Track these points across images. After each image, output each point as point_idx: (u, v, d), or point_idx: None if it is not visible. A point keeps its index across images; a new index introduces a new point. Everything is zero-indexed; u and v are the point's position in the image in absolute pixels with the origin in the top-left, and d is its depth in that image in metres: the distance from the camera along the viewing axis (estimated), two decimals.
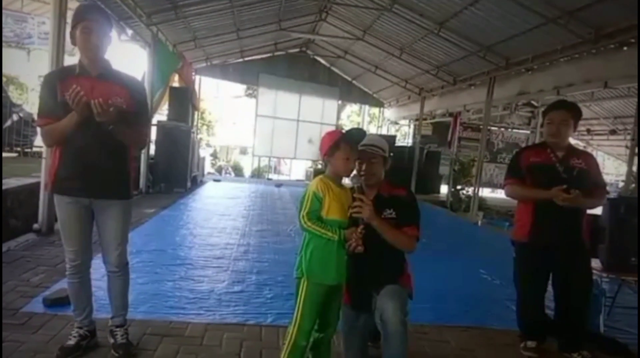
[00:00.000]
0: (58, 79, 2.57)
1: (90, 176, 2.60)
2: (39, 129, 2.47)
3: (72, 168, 2.59)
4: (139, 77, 10.21)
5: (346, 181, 2.57)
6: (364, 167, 2.65)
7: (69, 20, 5.78)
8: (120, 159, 2.74)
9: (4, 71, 15.64)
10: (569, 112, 3.23)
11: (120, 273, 2.82)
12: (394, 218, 2.64)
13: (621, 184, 15.17)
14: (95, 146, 2.58)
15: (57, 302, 3.36)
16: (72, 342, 2.72)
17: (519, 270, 3.40)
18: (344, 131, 2.52)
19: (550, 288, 3.37)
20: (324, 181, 2.44)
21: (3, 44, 15.60)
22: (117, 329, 2.84)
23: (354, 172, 2.60)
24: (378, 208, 2.57)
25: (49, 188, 2.66)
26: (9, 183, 5.97)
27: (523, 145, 16.58)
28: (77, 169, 2.59)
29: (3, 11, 15.34)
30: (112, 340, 2.83)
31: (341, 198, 2.45)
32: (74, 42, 2.61)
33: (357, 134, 2.56)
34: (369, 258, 2.54)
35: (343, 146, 2.44)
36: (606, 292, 3.94)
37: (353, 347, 2.77)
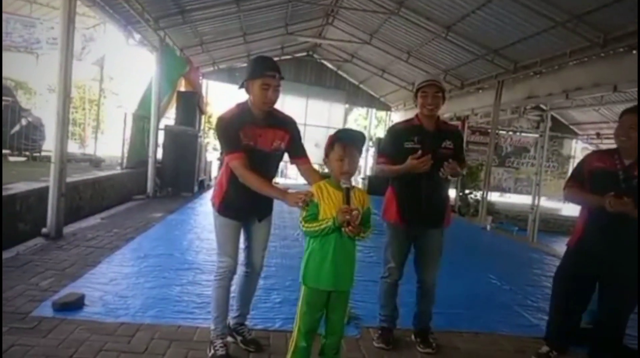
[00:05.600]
0: (239, 128, 2.75)
1: (250, 208, 2.94)
2: (232, 163, 2.77)
3: (236, 200, 2.90)
4: (147, 82, 10.34)
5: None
6: (428, 100, 3.15)
7: (77, 25, 5.85)
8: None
9: (13, 75, 15.80)
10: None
11: (259, 274, 3.15)
12: (450, 149, 3.17)
13: None
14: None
15: (66, 306, 3.38)
16: (222, 352, 2.85)
17: (558, 274, 3.34)
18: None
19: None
20: (321, 185, 2.46)
21: (12, 49, 15.78)
22: (242, 327, 3.15)
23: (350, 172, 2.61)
24: (438, 137, 3.18)
25: (216, 208, 2.99)
26: (18, 187, 5.99)
27: (532, 149, 16.54)
28: (241, 203, 2.90)
29: (12, 16, 15.50)
30: (239, 338, 3.11)
31: (333, 199, 2.41)
32: (247, 91, 2.80)
33: (350, 133, 2.56)
34: (426, 193, 3.14)
35: (336, 146, 2.44)
36: None
37: (400, 250, 3.33)
